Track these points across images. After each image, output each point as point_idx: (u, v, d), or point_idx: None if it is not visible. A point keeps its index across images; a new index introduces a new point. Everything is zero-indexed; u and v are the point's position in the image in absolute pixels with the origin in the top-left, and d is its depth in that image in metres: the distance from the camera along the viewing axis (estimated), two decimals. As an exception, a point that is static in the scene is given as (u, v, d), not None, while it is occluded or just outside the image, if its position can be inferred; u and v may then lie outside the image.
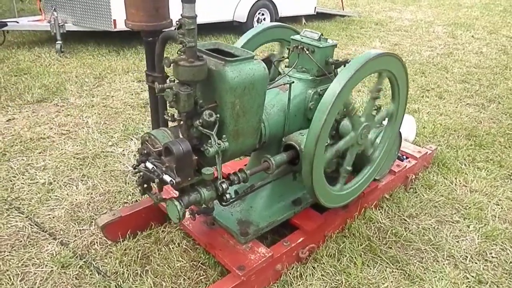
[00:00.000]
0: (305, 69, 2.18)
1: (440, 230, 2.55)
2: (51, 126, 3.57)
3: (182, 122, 1.65)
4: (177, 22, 1.53)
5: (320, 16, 9.03)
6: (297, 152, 2.00)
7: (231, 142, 1.73)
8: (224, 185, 1.69)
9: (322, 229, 2.29)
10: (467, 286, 2.12)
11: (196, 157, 1.64)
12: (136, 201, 2.64)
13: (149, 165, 1.58)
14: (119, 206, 2.60)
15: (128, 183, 2.83)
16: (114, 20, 5.35)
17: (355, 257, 2.27)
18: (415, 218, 2.65)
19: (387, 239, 2.44)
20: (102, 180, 2.85)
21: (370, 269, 2.22)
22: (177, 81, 1.62)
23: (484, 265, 2.27)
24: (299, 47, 2.14)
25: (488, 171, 3.21)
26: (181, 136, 1.68)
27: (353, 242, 2.37)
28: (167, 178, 1.52)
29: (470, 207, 2.76)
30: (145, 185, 1.71)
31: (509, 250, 2.39)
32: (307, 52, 2.11)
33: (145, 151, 1.67)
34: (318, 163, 1.88)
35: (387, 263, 2.27)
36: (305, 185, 1.98)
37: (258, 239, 2.13)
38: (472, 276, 2.19)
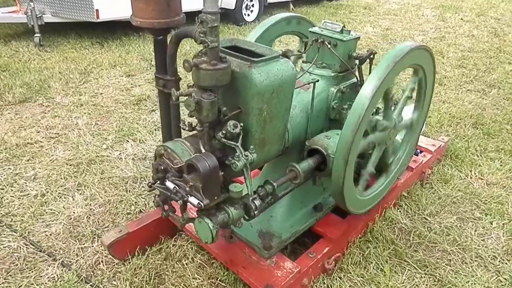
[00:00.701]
0: (326, 65, 1.99)
1: (463, 229, 2.44)
2: (37, 129, 3.29)
3: (203, 133, 1.45)
4: (198, 19, 1.31)
5: (308, 1, 8.80)
6: (323, 157, 1.83)
7: (257, 151, 1.54)
8: (257, 202, 1.51)
9: (346, 236, 2.14)
10: (502, 290, 2.03)
11: (222, 173, 1.44)
12: (140, 211, 2.44)
13: (169, 184, 1.38)
14: (122, 218, 2.39)
15: (129, 191, 2.62)
16: (97, 10, 5.00)
17: (382, 264, 2.14)
18: (435, 217, 2.53)
19: (411, 241, 2.32)
20: (101, 189, 2.62)
21: (399, 275, 2.09)
22: (196, 86, 1.41)
23: (515, 266, 2.18)
24: (319, 40, 1.95)
25: (501, 162, 3.12)
26: (202, 148, 1.48)
27: (377, 246, 2.24)
28: (193, 200, 1.33)
29: (489, 202, 2.66)
30: (165, 205, 1.51)
31: (537, 247, 2.30)
32: (329, 46, 1.92)
33: (162, 167, 1.46)
34: (350, 170, 1.72)
35: (415, 268, 2.15)
36: (333, 192, 1.82)
37: (280, 251, 1.97)
38: (505, 279, 2.09)
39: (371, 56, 1.96)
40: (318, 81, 1.83)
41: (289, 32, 2.23)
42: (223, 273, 2.01)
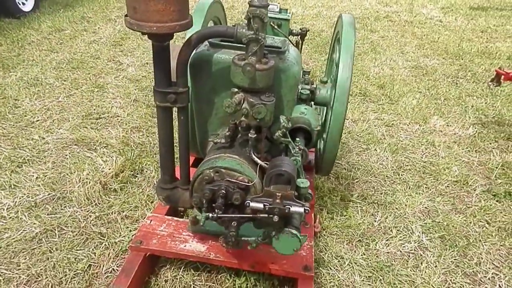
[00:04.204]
0: (271, 45, 2.02)
1: (363, 160, 3.01)
2: None
3: (257, 139, 1.32)
4: (249, 14, 1.16)
5: None
6: (306, 133, 1.92)
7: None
8: (311, 192, 1.50)
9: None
10: (416, 193, 2.67)
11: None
12: (90, 266, 1.94)
13: (256, 205, 1.21)
14: (72, 285, 1.86)
15: (54, 249, 2.01)
16: None
17: (341, 210, 2.46)
18: (342, 158, 3.02)
19: (343, 184, 2.72)
20: (8, 264, 1.92)
21: (357, 213, 2.47)
22: (245, 90, 1.26)
23: (410, 174, 2.88)
24: (263, 22, 1.95)
25: (350, 101, 3.87)
26: (253, 156, 1.35)
27: (329, 198, 2.54)
28: (298, 209, 1.22)
29: (364, 135, 3.34)
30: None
31: (410, 157, 3.08)
32: (275, 27, 1.95)
33: (224, 191, 1.26)
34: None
35: (360, 202, 2.56)
36: (326, 161, 1.96)
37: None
38: (413, 185, 2.76)
39: (305, 33, 2.11)
40: (287, 62, 1.86)
41: (215, 17, 2.10)
42: (241, 281, 1.90)
